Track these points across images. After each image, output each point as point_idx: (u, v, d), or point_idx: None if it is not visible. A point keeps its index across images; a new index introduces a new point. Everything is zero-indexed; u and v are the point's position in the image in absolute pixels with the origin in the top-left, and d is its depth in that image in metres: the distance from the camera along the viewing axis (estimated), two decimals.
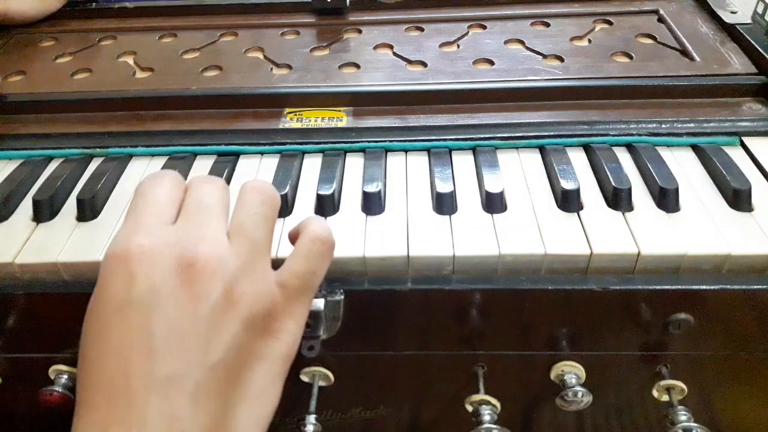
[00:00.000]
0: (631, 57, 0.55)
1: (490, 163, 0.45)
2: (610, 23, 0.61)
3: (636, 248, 0.38)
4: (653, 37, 0.58)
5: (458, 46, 0.58)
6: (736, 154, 0.45)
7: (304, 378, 0.42)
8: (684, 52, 0.55)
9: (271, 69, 0.57)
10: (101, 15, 0.68)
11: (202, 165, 0.47)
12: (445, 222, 0.40)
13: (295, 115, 0.51)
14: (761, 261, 0.38)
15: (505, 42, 0.58)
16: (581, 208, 0.41)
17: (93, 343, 0.28)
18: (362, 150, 0.47)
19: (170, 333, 0.27)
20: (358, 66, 0.56)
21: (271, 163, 0.47)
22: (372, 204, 0.42)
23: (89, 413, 0.27)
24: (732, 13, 0.59)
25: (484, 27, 0.61)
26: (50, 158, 0.49)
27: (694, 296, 0.37)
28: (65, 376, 0.42)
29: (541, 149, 0.47)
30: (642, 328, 0.39)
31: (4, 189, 0.45)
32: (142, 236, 0.29)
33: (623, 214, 0.40)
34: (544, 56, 0.55)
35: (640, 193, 0.42)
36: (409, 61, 0.56)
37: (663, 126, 0.47)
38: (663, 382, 0.42)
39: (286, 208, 0.42)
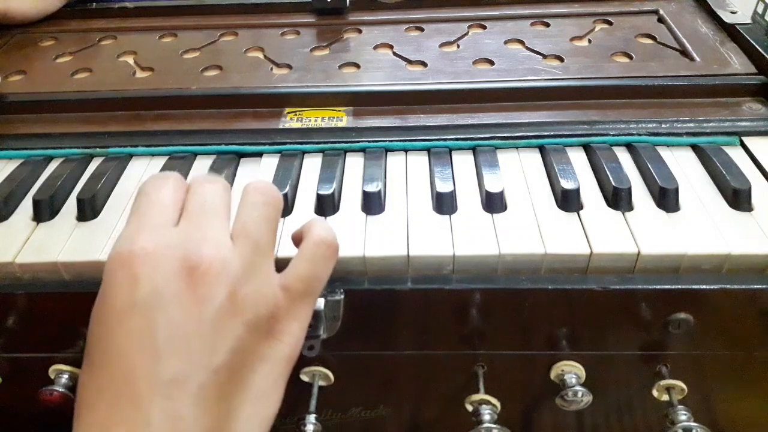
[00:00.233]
0: (631, 57, 0.55)
1: (490, 162, 0.45)
2: (610, 23, 0.61)
3: (636, 248, 0.38)
4: (653, 37, 0.58)
5: (458, 46, 0.58)
6: (736, 154, 0.45)
7: (304, 378, 0.42)
8: (684, 52, 0.55)
9: (271, 69, 0.57)
10: (101, 15, 0.68)
11: (202, 165, 0.47)
12: (445, 222, 0.40)
13: (295, 114, 0.51)
14: (761, 261, 0.38)
15: (505, 42, 0.58)
16: (581, 207, 0.41)
17: (97, 345, 0.28)
18: (362, 150, 0.47)
19: (174, 335, 0.27)
20: (358, 66, 0.56)
21: (271, 162, 0.46)
22: (372, 204, 0.42)
23: (91, 413, 0.27)
24: (732, 13, 0.59)
25: (484, 27, 0.61)
26: (50, 158, 0.49)
27: (694, 296, 0.37)
28: (65, 376, 0.42)
29: (541, 149, 0.47)
30: (642, 327, 0.39)
31: (4, 189, 0.45)
32: (146, 238, 0.29)
33: (623, 213, 0.40)
34: (544, 56, 0.55)
35: (640, 193, 0.42)
36: (409, 61, 0.56)
37: (663, 126, 0.47)
38: (663, 382, 0.42)
39: (286, 207, 0.42)
